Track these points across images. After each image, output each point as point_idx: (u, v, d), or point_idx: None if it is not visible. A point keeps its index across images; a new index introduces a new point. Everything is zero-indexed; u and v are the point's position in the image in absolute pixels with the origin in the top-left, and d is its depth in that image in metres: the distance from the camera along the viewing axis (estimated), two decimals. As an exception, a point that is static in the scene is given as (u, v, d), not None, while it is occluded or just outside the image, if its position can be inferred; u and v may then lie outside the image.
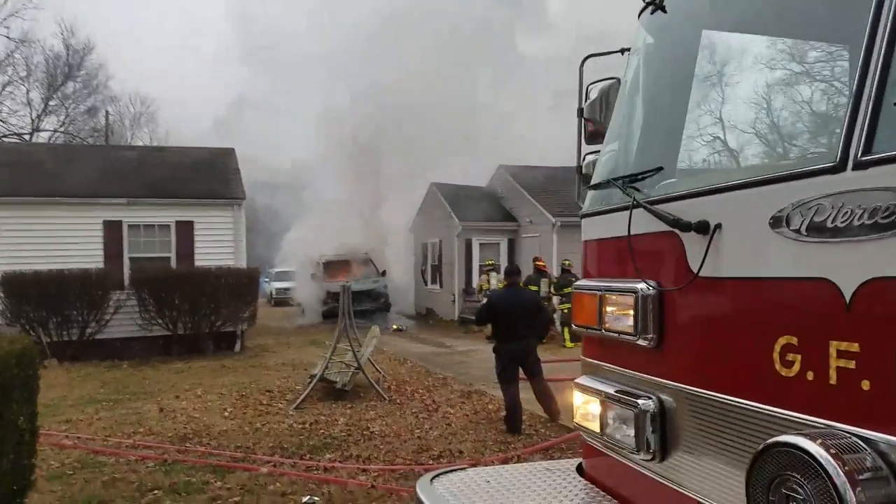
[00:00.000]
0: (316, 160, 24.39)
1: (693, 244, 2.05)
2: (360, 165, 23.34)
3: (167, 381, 11.01)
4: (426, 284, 21.75)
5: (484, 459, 6.16)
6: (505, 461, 6.07)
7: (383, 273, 21.43)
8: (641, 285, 2.26)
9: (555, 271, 16.39)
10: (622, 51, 2.97)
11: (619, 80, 2.91)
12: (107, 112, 32.62)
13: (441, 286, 20.72)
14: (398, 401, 9.12)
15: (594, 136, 2.97)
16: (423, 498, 2.66)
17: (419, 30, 24.27)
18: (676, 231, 2.10)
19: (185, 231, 15.02)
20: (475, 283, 18.92)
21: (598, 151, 2.94)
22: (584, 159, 3.03)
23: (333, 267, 21.73)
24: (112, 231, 14.55)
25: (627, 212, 2.32)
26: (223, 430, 7.71)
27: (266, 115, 26.37)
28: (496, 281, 15.95)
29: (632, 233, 2.30)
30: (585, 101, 3.01)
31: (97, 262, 14.14)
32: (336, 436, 7.27)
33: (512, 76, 25.11)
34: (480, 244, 19.25)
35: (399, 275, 22.30)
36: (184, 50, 60.03)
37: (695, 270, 2.03)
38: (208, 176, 16.44)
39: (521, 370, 7.54)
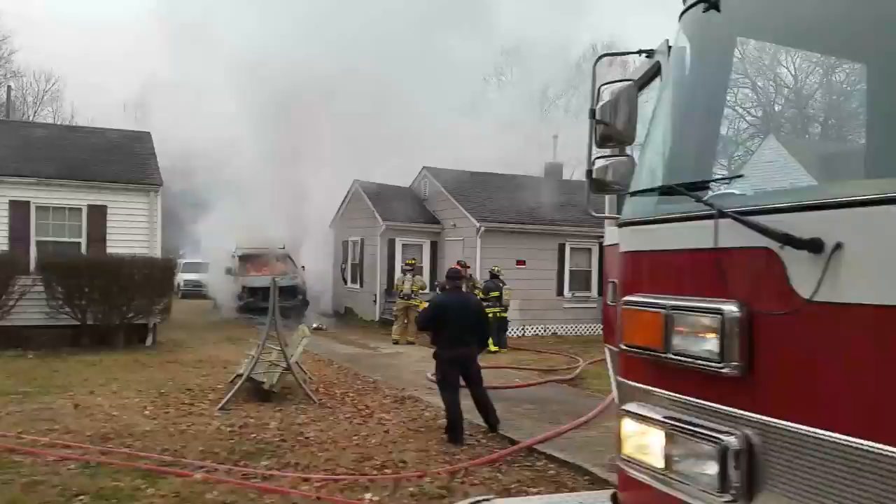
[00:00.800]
0: (232, 147, 23.40)
1: (798, 263, 1.86)
2: (280, 156, 22.71)
3: (78, 375, 10.39)
4: (346, 283, 21.53)
5: (431, 471, 6.23)
6: (453, 473, 6.18)
7: (302, 269, 21.03)
8: (730, 306, 2.04)
9: (478, 275, 16.68)
10: (640, 52, 3.07)
11: (634, 83, 2.86)
12: (8, 87, 30.06)
13: (362, 285, 20.58)
14: (329, 404, 9.03)
15: (606, 139, 2.85)
16: None
17: (351, 15, 23.99)
18: (772, 248, 1.92)
19: (98, 216, 14.17)
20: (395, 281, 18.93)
21: (609, 155, 2.87)
22: (593, 163, 2.92)
23: (250, 261, 21.08)
24: (18, 211, 13.49)
25: (694, 222, 2.14)
26: (146, 430, 7.38)
27: (180, 98, 24.91)
28: (409, 284, 15.87)
29: (703, 245, 2.11)
30: (597, 102, 2.84)
31: (1, 245, 13.09)
32: (269, 441, 7.12)
33: (439, 76, 25.11)
34: (403, 245, 19.28)
35: (317, 272, 21.92)
36: (95, 26, 56.02)
37: (802, 293, 1.85)
38: (123, 159, 15.60)
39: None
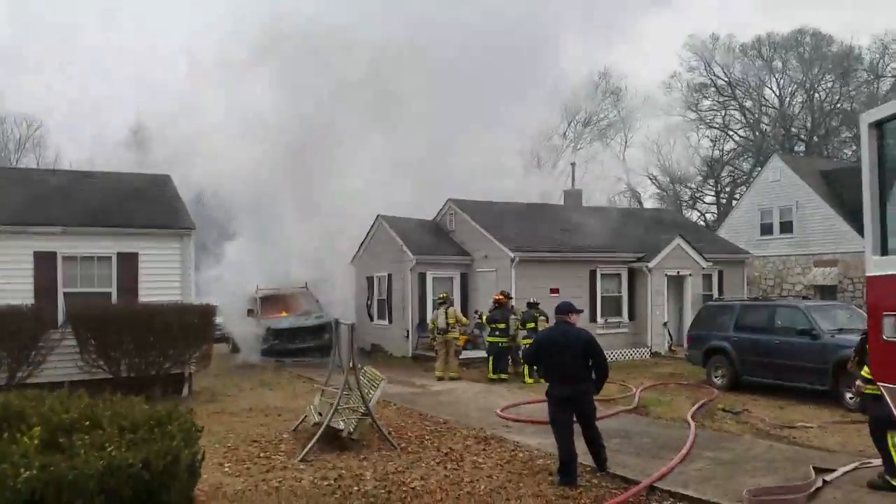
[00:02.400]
0: (244, 185, 22.96)
1: None
2: (296, 192, 22.37)
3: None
4: (372, 320, 21.01)
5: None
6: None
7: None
8: None
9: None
10: None
11: None
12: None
13: (390, 321, 20.09)
14: (409, 449, 8.53)
15: None
16: None
17: (365, 49, 23.93)
18: None
19: (129, 264, 13.63)
20: (429, 318, 18.46)
21: None
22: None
23: (272, 302, 20.50)
24: (44, 262, 12.94)
25: None
26: (238, 490, 6.84)
27: (181, 133, 24.46)
28: (443, 318, 15.36)
29: None
30: None
31: (27, 298, 12.49)
32: (376, 494, 6.62)
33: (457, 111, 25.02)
34: (434, 278, 18.89)
35: (340, 310, 21.37)
36: (78, 69, 55.89)
37: None
38: (149, 204, 15.14)
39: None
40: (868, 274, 3.55)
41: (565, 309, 7.38)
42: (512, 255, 17.53)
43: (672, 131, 49.29)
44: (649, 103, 49.03)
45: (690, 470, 7.23)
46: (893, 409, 3.42)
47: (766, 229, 28.24)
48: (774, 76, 48.60)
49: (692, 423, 9.41)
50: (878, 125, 3.37)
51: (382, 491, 6.70)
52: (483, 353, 17.00)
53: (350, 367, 8.66)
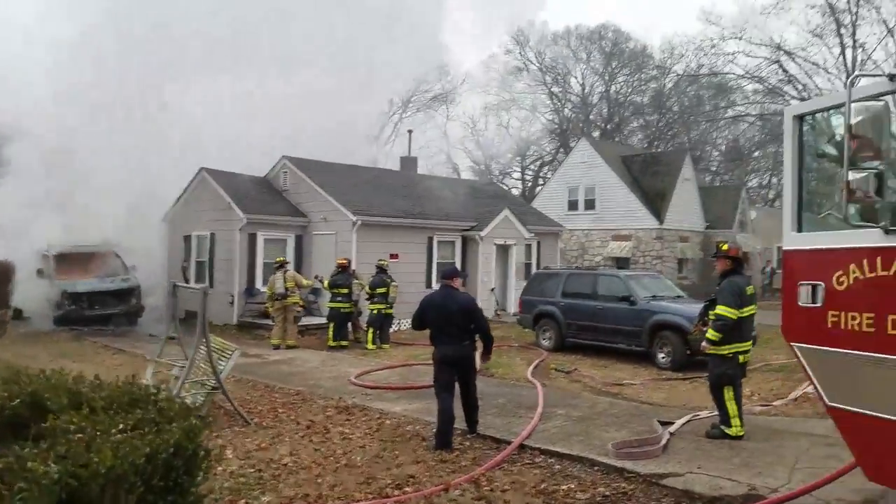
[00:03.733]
0: (39, 122, 19.38)
1: None
2: (102, 138, 19.49)
3: None
4: (188, 283, 19.23)
5: (453, 483, 5.77)
6: (475, 481, 5.82)
7: (133, 269, 18.26)
8: None
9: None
10: (892, 76, 3.13)
11: (886, 104, 3.06)
12: None
13: (212, 286, 18.56)
14: (265, 423, 7.97)
15: (865, 153, 3.06)
16: None
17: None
18: None
19: None
20: (259, 283, 17.44)
21: (866, 168, 3.05)
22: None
23: (69, 261, 17.71)
24: None
25: None
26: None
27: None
28: (281, 283, 14.60)
29: None
30: (851, 119, 3.08)
31: None
32: (244, 473, 6.06)
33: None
34: (266, 240, 17.80)
35: (149, 272, 19.21)
36: None
37: None
38: None
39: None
40: (785, 248, 3.94)
41: (450, 273, 7.43)
42: (354, 218, 17.10)
43: (489, 109, 51.67)
44: (470, 81, 50.77)
45: (550, 427, 7.65)
46: (809, 368, 3.84)
47: (573, 205, 30.86)
48: (580, 66, 52.78)
49: (538, 384, 9.96)
50: (800, 118, 3.73)
51: (251, 470, 6.15)
52: (318, 320, 16.52)
53: (202, 337, 7.82)
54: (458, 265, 19.98)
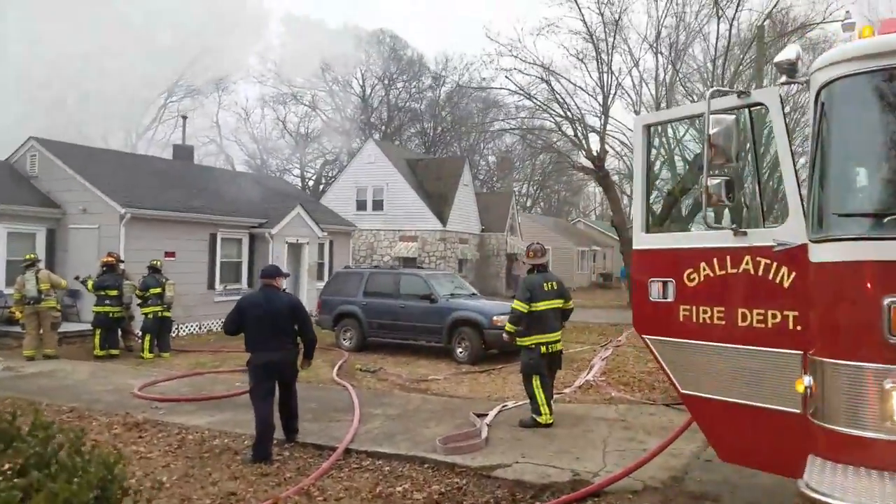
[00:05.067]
0: None
1: None
2: None
3: None
4: None
5: (282, 497, 5.33)
6: (306, 492, 5.48)
7: None
8: None
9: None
10: (740, 93, 3.48)
11: (736, 117, 3.41)
12: None
13: (-68, 288, 15.05)
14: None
15: (719, 161, 3.43)
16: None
17: None
18: None
19: None
20: (2, 284, 14.54)
21: (719, 175, 3.44)
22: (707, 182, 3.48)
23: None
24: None
25: None
26: None
27: None
28: (33, 284, 12.44)
29: None
30: (709, 130, 3.41)
31: None
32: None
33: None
34: (9, 233, 14.88)
35: None
36: None
37: None
38: None
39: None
40: (636, 247, 4.27)
41: (272, 273, 6.88)
42: (122, 210, 15.08)
43: (265, 102, 49.59)
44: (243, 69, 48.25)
45: (371, 428, 7.50)
46: (662, 360, 4.19)
47: (362, 205, 31.00)
48: (360, 68, 53.16)
49: (348, 385, 9.75)
50: (647, 127, 4.10)
51: None
52: (78, 326, 14.35)
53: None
54: (246, 264, 18.88)
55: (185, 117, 23.61)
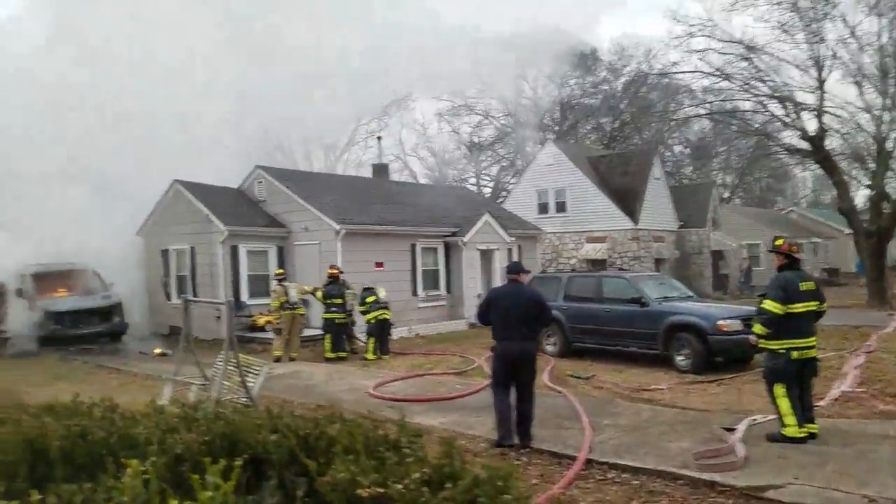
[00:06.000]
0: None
1: None
2: (64, 152, 18.30)
3: None
4: (169, 299, 18.30)
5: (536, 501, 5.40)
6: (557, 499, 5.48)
7: (111, 286, 17.24)
8: None
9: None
10: None
11: None
12: None
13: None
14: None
15: None
16: None
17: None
18: None
19: None
20: (245, 295, 16.68)
21: None
22: None
23: (48, 280, 16.71)
24: None
25: None
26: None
27: None
28: (295, 291, 14.27)
29: None
30: None
31: None
32: None
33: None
34: (248, 252, 17.05)
35: (126, 289, 18.17)
36: None
37: None
38: None
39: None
40: None
41: (515, 269, 7.49)
42: (338, 227, 16.57)
43: (441, 115, 51.22)
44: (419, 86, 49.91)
45: (606, 439, 7.30)
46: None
47: (543, 208, 30.90)
48: (529, 70, 52.83)
49: (566, 392, 9.67)
50: None
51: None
52: (308, 332, 15.92)
53: (231, 353, 7.35)
54: (443, 271, 19.66)
55: (379, 138, 25.30)
